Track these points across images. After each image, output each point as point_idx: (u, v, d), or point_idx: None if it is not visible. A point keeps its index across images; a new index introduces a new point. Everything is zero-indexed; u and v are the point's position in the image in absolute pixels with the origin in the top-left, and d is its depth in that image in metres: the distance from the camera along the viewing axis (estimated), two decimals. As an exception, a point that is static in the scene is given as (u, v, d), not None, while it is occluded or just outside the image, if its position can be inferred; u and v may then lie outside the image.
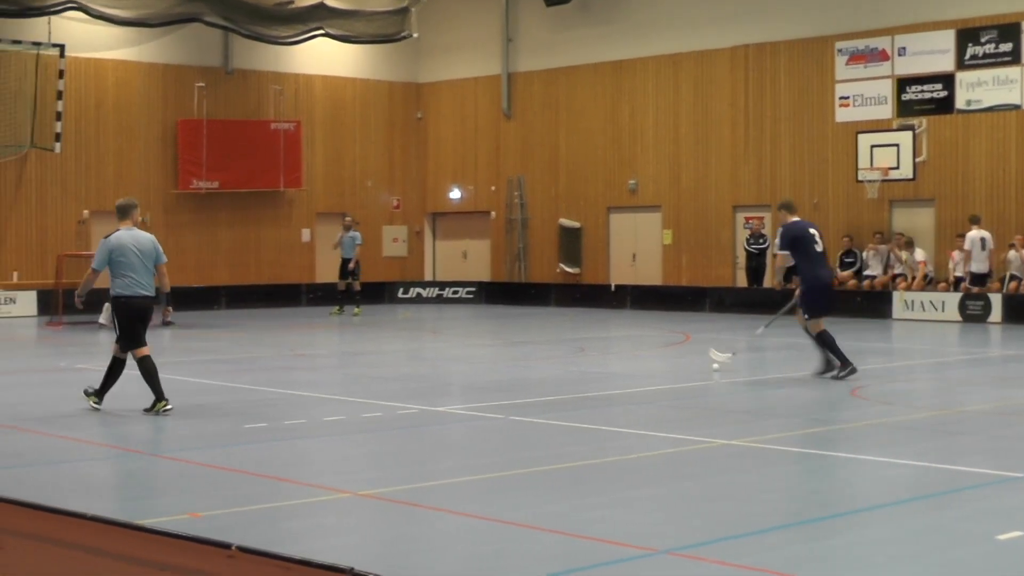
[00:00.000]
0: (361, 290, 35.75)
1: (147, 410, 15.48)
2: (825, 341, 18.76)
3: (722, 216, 36.58)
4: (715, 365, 19.86)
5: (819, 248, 18.92)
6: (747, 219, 36.06)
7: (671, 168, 37.67)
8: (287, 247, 40.26)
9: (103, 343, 26.62)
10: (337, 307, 35.69)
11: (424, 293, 41.68)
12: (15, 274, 35.01)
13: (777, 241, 18.98)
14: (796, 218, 19.15)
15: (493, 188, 41.62)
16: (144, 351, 15.57)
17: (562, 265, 39.63)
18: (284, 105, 39.97)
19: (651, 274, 38.05)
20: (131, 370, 15.75)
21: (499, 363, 22.10)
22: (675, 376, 19.98)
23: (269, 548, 4.99)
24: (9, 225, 35.23)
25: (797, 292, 19.14)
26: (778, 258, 18.99)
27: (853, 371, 18.67)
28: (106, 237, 15.71)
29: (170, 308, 30.96)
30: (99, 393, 15.77)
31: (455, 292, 41.49)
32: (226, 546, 5.07)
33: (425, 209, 43.30)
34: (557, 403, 16.52)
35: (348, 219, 35.95)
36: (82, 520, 5.81)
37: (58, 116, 35.51)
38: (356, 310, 35.32)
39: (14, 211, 35.33)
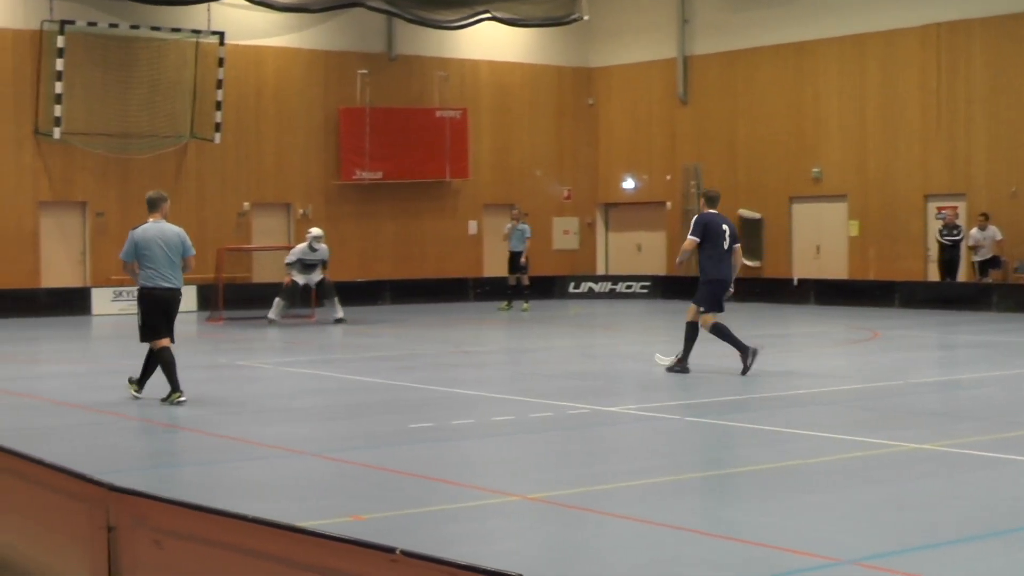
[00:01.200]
0: (530, 285, 35.82)
1: (163, 400, 16.48)
2: (721, 332, 19.41)
3: (912, 206, 36.01)
4: (664, 360, 20.14)
5: (726, 246, 19.46)
6: (939, 209, 35.44)
7: (857, 155, 37.17)
8: (453, 240, 40.48)
9: (267, 339, 27.04)
10: (505, 302, 35.79)
11: (596, 288, 41.64)
12: (178, 267, 35.47)
13: (691, 226, 19.67)
14: (713, 211, 19.69)
15: (668, 177, 41.45)
16: (163, 343, 16.49)
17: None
18: (449, 92, 40.20)
19: (836, 267, 37.60)
20: (279, 367, 15.95)
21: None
22: (861, 375, 19.73)
23: (434, 553, 5.02)
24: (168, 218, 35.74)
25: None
26: (687, 242, 19.51)
27: (685, 370, 19.41)
28: (133, 229, 16.82)
29: (336, 302, 30.98)
30: (140, 382, 16.94)
31: (628, 287, 41.40)
32: (390, 550, 5.12)
33: (597, 199, 43.26)
34: (735, 403, 16.46)
35: (516, 211, 36.02)
36: (242, 522, 5.91)
37: (217, 105, 36.08)
38: (525, 305, 35.37)
39: (173, 203, 35.22)
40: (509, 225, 35.58)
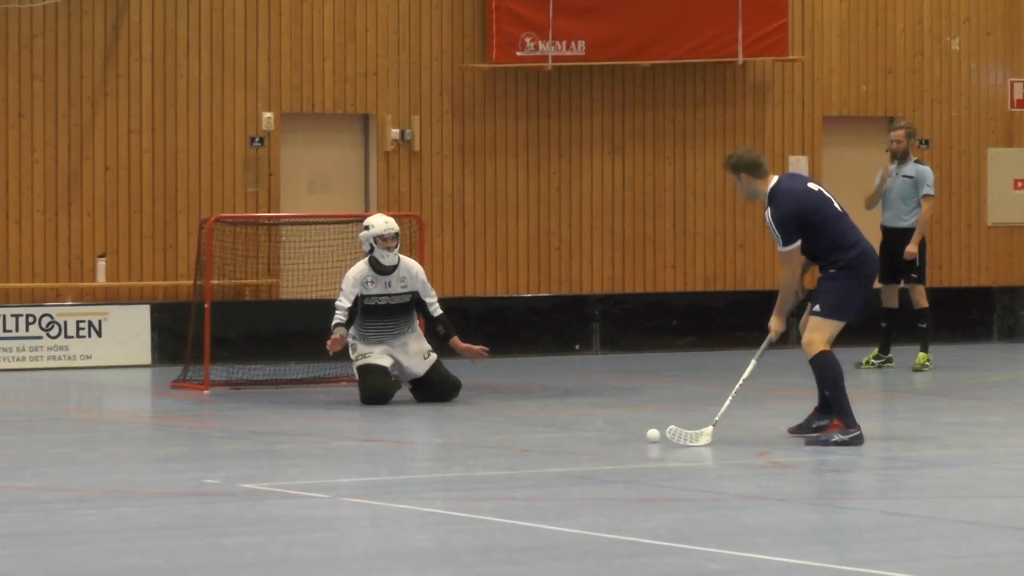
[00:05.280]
0: (930, 308, 35.62)
1: None
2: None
3: None
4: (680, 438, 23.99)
5: (838, 207, 24.53)
6: None
7: None
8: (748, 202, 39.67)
9: (315, 430, 28.38)
10: (876, 350, 35.68)
11: None
12: (100, 262, 36.09)
13: (772, 228, 23.91)
14: (775, 177, 24.56)
15: None
16: None
17: None
18: None
19: None
20: (339, 499, 16.76)
21: None
22: None
23: None
24: (88, 144, 36.30)
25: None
26: (787, 261, 24.04)
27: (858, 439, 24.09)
28: None
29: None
30: None
31: None
32: None
33: None
34: None
35: (901, 130, 34.95)
36: None
37: None
38: (922, 358, 34.57)
39: (99, 114, 36.44)
40: (882, 172, 34.81)
